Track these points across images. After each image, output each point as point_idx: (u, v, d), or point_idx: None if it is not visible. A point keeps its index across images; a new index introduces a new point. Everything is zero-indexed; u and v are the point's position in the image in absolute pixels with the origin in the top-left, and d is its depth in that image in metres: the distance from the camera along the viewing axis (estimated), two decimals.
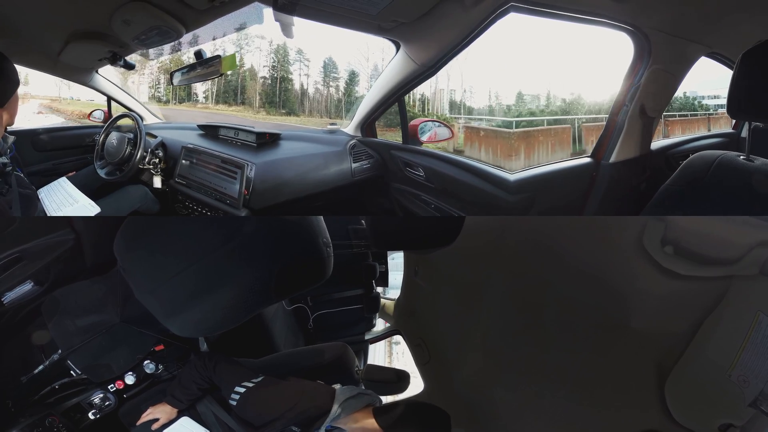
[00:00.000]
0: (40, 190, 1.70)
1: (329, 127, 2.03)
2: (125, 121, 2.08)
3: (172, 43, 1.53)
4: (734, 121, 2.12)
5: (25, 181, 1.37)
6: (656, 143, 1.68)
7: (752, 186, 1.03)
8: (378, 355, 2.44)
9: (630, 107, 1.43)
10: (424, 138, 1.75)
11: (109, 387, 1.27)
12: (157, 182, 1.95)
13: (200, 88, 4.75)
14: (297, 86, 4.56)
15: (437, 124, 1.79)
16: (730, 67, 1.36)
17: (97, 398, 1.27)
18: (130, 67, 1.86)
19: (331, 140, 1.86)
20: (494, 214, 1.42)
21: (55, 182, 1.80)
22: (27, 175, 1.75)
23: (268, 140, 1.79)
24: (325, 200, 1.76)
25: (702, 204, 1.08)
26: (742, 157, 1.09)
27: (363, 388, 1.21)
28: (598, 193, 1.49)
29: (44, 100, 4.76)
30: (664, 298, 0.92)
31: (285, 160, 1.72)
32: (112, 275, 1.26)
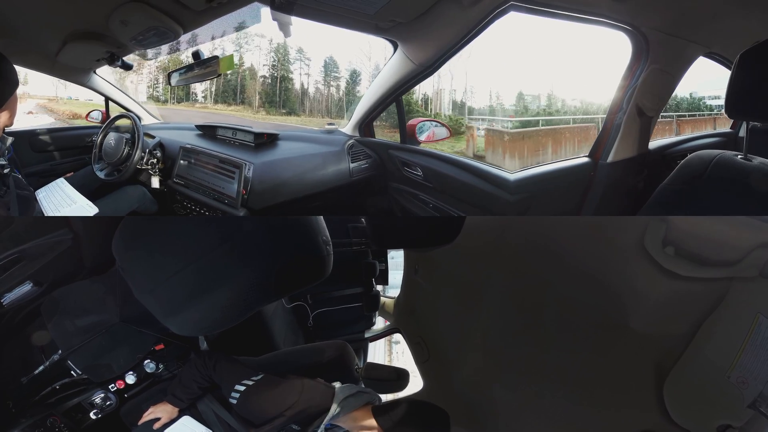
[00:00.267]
0: (38, 191, 1.69)
1: (327, 127, 2.03)
2: (123, 122, 2.07)
3: (171, 44, 1.53)
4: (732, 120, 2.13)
5: (22, 182, 1.37)
6: (654, 143, 1.69)
7: (750, 185, 1.03)
8: (378, 353, 2.45)
9: (627, 107, 1.43)
10: (422, 138, 1.75)
11: (109, 387, 1.28)
12: (155, 182, 1.95)
13: (199, 88, 4.73)
14: (297, 86, 4.54)
15: (435, 123, 1.79)
16: (728, 67, 1.36)
17: (98, 398, 1.27)
18: (127, 67, 1.86)
19: (329, 140, 1.86)
20: (493, 214, 1.43)
21: (53, 183, 1.79)
22: (25, 176, 1.74)
23: (266, 140, 1.80)
24: (324, 200, 1.76)
25: (700, 203, 1.08)
26: (739, 156, 1.09)
27: (362, 386, 1.22)
28: (596, 193, 1.49)
29: (41, 99, 4.74)
30: (664, 298, 0.92)
31: (283, 161, 1.72)
32: (111, 275, 1.26)
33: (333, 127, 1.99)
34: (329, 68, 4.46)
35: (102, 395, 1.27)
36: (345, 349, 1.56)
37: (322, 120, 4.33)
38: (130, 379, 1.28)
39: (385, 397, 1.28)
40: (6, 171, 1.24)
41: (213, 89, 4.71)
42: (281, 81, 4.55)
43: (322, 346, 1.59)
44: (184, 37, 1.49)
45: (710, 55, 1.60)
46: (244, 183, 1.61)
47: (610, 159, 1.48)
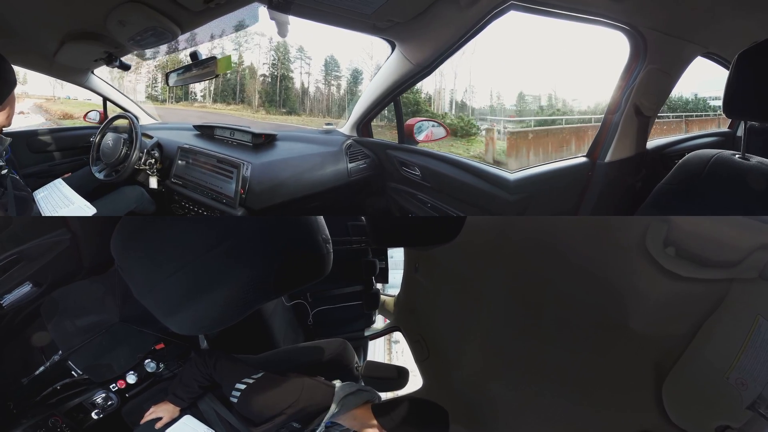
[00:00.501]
0: (36, 192, 1.69)
1: (325, 127, 2.02)
2: (121, 122, 2.07)
3: (169, 44, 1.52)
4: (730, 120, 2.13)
5: (20, 183, 1.36)
6: (652, 142, 1.69)
7: (747, 184, 1.03)
8: (377, 351, 2.45)
9: (625, 107, 1.43)
10: (420, 137, 1.75)
11: (111, 386, 1.28)
12: (153, 183, 1.95)
13: (198, 87, 4.71)
14: (298, 85, 4.51)
15: (433, 123, 1.79)
16: (726, 68, 1.36)
17: (99, 398, 1.28)
18: (125, 67, 1.85)
19: (327, 140, 1.86)
20: (492, 214, 1.43)
21: (51, 184, 1.78)
22: (22, 177, 1.73)
23: (264, 141, 1.79)
24: (322, 200, 1.76)
25: (698, 202, 1.09)
26: (737, 155, 1.09)
27: (362, 384, 1.23)
28: (594, 193, 1.49)
29: (39, 99, 4.72)
30: (665, 299, 0.92)
31: (281, 161, 1.72)
32: (111, 275, 1.27)
33: (331, 127, 1.99)
34: (330, 67, 4.43)
35: (103, 395, 1.28)
36: (345, 347, 1.56)
37: (323, 120, 4.30)
38: (131, 378, 1.28)
39: (385, 396, 1.28)
40: (3, 172, 1.24)
41: (212, 88, 4.69)
42: (281, 80, 4.52)
43: (322, 344, 1.59)
44: (183, 36, 1.48)
45: (708, 55, 1.60)
46: (242, 182, 1.61)
47: (607, 159, 1.48)
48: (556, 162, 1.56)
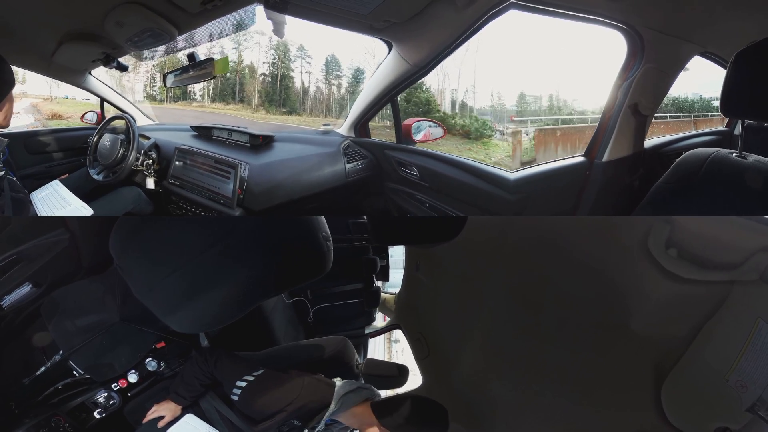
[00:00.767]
0: (33, 193, 1.69)
1: (323, 127, 2.02)
2: (118, 123, 2.07)
3: (166, 44, 1.52)
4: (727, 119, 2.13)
5: (17, 184, 1.36)
6: (649, 141, 1.69)
7: (745, 183, 1.04)
8: (378, 349, 2.46)
9: (623, 106, 1.43)
10: (418, 137, 1.75)
11: (112, 386, 1.29)
12: (151, 183, 1.95)
13: (197, 86, 4.68)
14: (298, 84, 4.48)
15: (431, 123, 1.79)
16: (724, 67, 1.36)
17: (101, 397, 1.28)
18: (123, 68, 1.85)
19: (325, 141, 1.85)
20: (491, 214, 1.43)
21: (48, 185, 1.78)
22: (19, 178, 1.73)
23: (261, 142, 1.79)
24: (320, 201, 1.76)
25: (695, 201, 1.09)
26: (734, 154, 1.10)
27: (362, 382, 1.23)
28: (592, 192, 1.49)
29: (36, 99, 4.70)
30: (665, 300, 0.92)
31: (279, 163, 1.72)
32: (110, 274, 1.27)
33: (328, 127, 1.98)
34: (331, 67, 4.40)
35: (105, 394, 1.28)
36: (345, 344, 1.57)
37: (323, 120, 4.29)
38: (133, 377, 1.29)
39: (385, 393, 1.29)
40: (1, 173, 1.24)
41: (211, 88, 4.67)
42: (281, 79, 4.50)
43: (322, 341, 1.59)
44: (181, 36, 1.48)
45: (705, 55, 1.61)
46: (240, 183, 1.61)
47: (605, 158, 1.48)
48: (555, 161, 1.56)
